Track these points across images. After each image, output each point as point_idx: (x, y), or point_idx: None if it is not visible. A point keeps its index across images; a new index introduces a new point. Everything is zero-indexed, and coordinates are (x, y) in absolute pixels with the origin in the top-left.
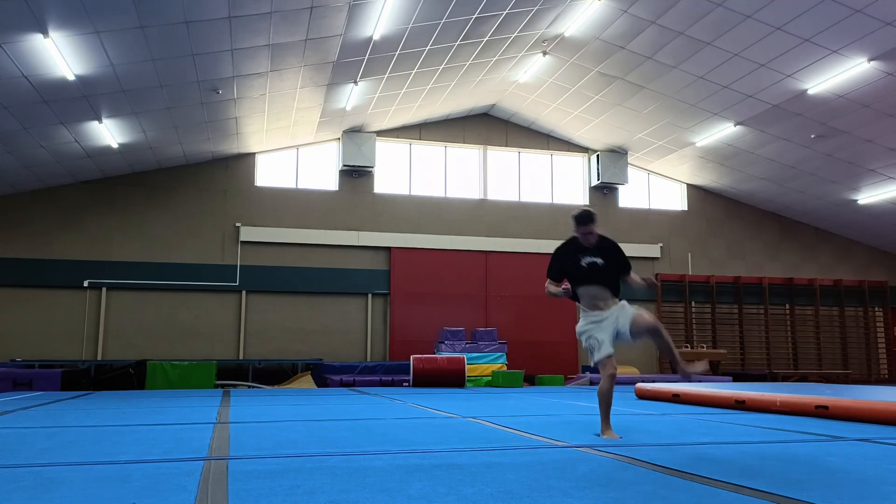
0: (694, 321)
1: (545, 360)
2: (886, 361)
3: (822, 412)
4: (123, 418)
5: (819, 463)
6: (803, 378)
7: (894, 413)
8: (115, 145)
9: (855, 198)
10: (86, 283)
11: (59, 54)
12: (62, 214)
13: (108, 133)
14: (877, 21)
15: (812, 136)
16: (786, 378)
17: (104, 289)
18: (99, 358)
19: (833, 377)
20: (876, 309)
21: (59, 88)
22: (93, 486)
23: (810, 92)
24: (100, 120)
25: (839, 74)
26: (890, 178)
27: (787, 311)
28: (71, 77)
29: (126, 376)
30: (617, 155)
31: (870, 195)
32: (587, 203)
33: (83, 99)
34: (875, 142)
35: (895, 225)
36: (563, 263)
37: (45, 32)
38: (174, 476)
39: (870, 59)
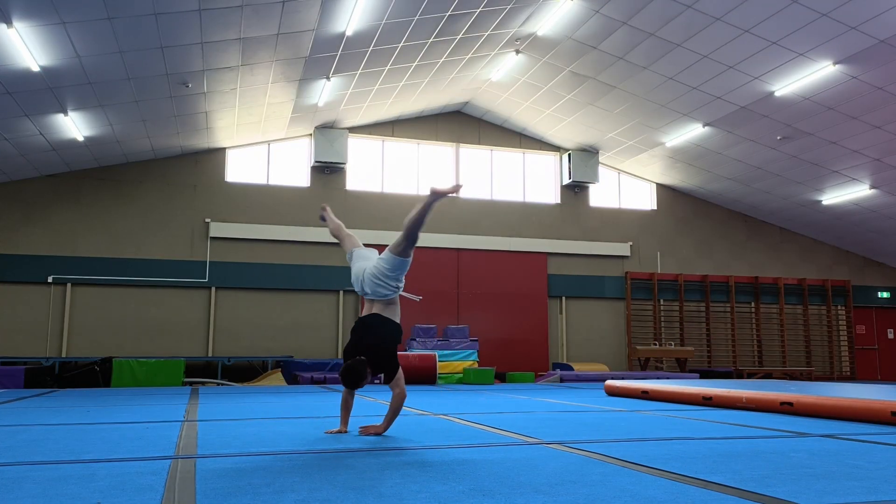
0: (662, 319)
1: (516, 358)
2: (848, 359)
3: (787, 409)
4: (88, 416)
5: (784, 459)
6: (768, 375)
7: (857, 409)
8: (80, 138)
9: (819, 198)
10: (50, 279)
11: (23, 45)
12: (26, 209)
13: (73, 126)
14: (842, 25)
15: (778, 138)
16: (751, 375)
17: (69, 284)
18: (63, 355)
19: (797, 374)
20: (839, 307)
21: (23, 80)
22: (56, 485)
23: (777, 94)
24: (65, 112)
25: (805, 77)
26: (853, 179)
27: (753, 309)
28: (36, 68)
29: (91, 374)
30: (588, 154)
31: (833, 196)
32: (558, 201)
33: (48, 91)
34: (839, 143)
35: (857, 225)
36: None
37: (8, 22)
38: (140, 475)
39: (835, 63)
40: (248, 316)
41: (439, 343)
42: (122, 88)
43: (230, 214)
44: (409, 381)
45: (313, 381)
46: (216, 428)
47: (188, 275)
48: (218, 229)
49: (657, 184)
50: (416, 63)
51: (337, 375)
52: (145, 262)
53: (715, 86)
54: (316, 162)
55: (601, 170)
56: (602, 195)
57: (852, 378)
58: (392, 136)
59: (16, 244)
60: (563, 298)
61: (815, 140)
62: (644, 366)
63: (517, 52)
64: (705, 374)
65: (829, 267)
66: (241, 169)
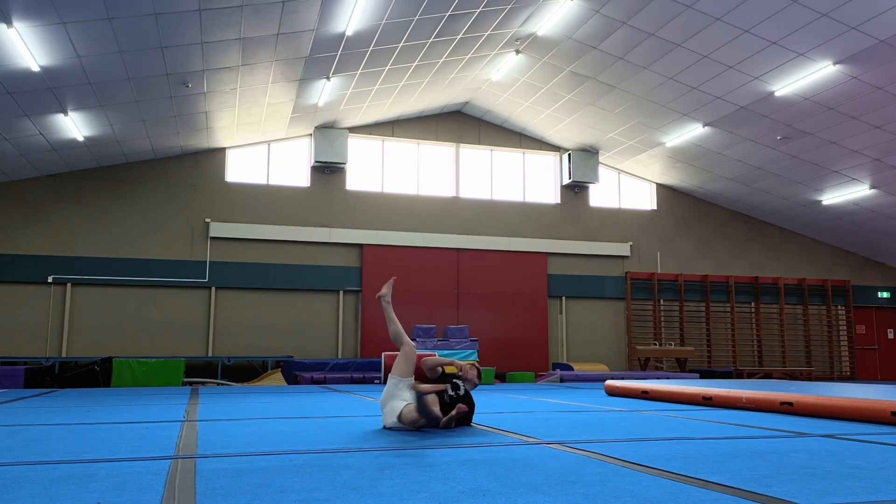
0: (662, 319)
1: (516, 358)
2: (848, 359)
3: (786, 409)
4: (88, 416)
5: (784, 459)
6: (768, 375)
7: (857, 409)
8: (80, 138)
9: (819, 198)
10: (50, 279)
11: (23, 45)
12: (26, 209)
13: (73, 126)
14: (842, 25)
15: (778, 138)
16: (751, 375)
17: (69, 284)
18: (63, 355)
19: (797, 374)
20: (839, 308)
21: (23, 80)
22: (56, 485)
23: (777, 94)
24: (65, 112)
25: (805, 77)
26: (853, 179)
27: (753, 309)
28: (36, 68)
29: (91, 374)
30: (588, 154)
31: (833, 196)
32: (558, 201)
33: (48, 91)
34: (839, 143)
35: (857, 225)
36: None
37: (8, 22)
38: (140, 475)
39: (835, 63)
40: (248, 316)
41: (439, 343)
42: (122, 88)
43: (230, 214)
44: None
45: (313, 381)
46: (216, 428)
47: (188, 275)
48: (218, 229)
49: (657, 184)
50: (416, 63)
51: (337, 375)
52: (145, 262)
53: (715, 86)
54: (316, 162)
55: (601, 170)
56: (602, 195)
57: (852, 378)
58: (392, 136)
59: (16, 244)
60: (563, 298)
61: (815, 140)
62: (644, 366)
63: (517, 52)
64: (705, 374)
65: (829, 267)
66: (241, 169)
